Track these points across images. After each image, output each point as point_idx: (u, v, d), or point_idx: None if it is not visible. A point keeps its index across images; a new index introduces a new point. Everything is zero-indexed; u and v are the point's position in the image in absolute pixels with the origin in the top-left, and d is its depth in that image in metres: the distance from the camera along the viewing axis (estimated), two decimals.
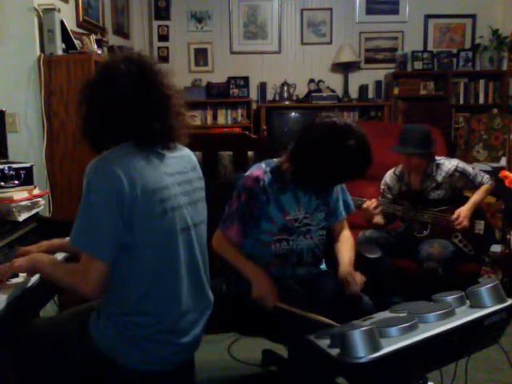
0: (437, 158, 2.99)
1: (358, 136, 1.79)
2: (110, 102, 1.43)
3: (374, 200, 2.76)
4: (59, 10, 2.84)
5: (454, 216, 2.82)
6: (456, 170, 2.92)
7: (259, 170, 1.98)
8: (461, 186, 2.95)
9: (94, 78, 1.51)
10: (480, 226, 2.91)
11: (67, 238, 1.95)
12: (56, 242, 1.81)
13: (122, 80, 1.43)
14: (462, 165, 2.95)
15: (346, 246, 2.06)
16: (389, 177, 3.10)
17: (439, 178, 2.93)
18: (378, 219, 2.93)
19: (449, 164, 2.95)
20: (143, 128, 1.45)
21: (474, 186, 2.93)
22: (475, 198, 2.90)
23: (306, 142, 1.85)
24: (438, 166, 2.95)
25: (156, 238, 1.42)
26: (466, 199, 2.91)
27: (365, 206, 2.72)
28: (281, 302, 1.82)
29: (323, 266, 2.14)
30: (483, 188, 2.91)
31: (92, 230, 1.36)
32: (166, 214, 1.43)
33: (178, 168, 1.55)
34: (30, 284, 1.62)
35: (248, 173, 1.99)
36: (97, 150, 1.50)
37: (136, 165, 1.41)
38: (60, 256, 1.85)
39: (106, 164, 1.39)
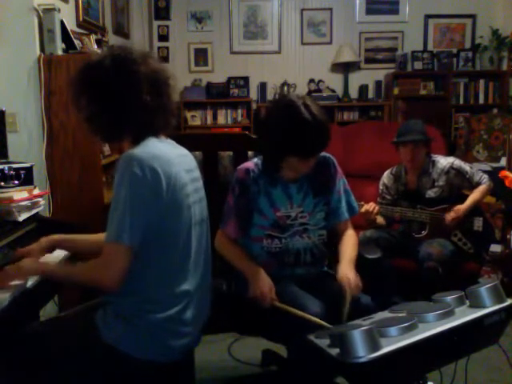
0: (433, 155, 3.00)
1: (310, 110, 1.80)
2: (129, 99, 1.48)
3: (371, 203, 2.78)
4: (59, 10, 2.84)
5: (455, 208, 2.83)
6: (452, 167, 2.93)
7: (251, 162, 2.02)
8: (457, 183, 2.95)
9: (104, 76, 1.51)
10: (479, 222, 2.92)
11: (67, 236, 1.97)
12: (55, 237, 1.81)
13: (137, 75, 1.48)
14: (458, 162, 2.96)
15: (347, 246, 2.04)
16: (386, 177, 3.10)
17: (435, 175, 2.94)
18: (380, 220, 2.94)
19: (445, 161, 2.96)
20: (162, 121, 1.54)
21: (471, 185, 2.94)
22: (473, 197, 2.90)
23: (264, 122, 1.96)
24: (434, 162, 2.96)
25: (178, 231, 1.49)
26: (465, 198, 2.91)
27: (363, 210, 2.74)
28: (278, 301, 1.82)
29: (324, 269, 2.13)
30: (481, 188, 2.91)
31: (129, 224, 1.38)
32: (189, 208, 1.52)
33: (189, 166, 1.61)
34: (29, 284, 1.62)
35: (240, 166, 2.02)
36: (111, 141, 1.63)
37: (168, 160, 1.47)
38: (61, 254, 1.85)
39: (145, 159, 1.41)
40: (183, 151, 1.65)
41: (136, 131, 1.51)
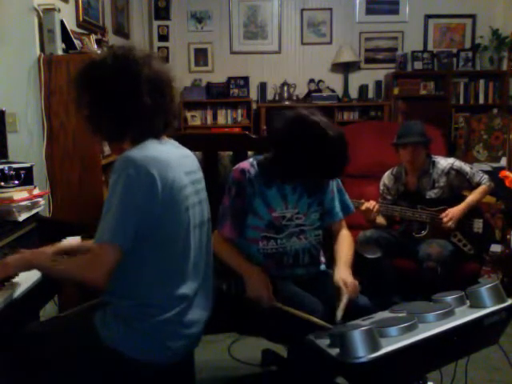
0: (433, 156, 3.00)
1: (335, 134, 1.83)
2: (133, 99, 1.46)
3: (371, 201, 2.78)
4: (59, 10, 2.84)
5: (443, 214, 2.83)
6: (452, 168, 2.93)
7: (246, 162, 2.01)
8: (457, 184, 2.95)
9: (108, 76, 1.49)
10: (479, 224, 2.92)
11: (67, 239, 1.97)
12: (62, 247, 1.80)
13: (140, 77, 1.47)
14: (458, 163, 2.96)
15: (343, 247, 2.04)
16: (386, 178, 3.11)
17: (435, 176, 2.94)
18: (381, 220, 2.94)
19: (445, 162, 2.96)
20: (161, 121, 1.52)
21: (472, 185, 2.94)
22: (471, 198, 2.90)
23: (276, 131, 1.92)
24: (434, 163, 2.96)
25: (176, 233, 1.48)
26: (465, 199, 2.91)
27: (363, 208, 2.74)
28: (276, 301, 1.82)
29: (323, 267, 2.13)
30: (480, 189, 2.91)
31: (121, 226, 1.38)
32: (187, 210, 1.50)
33: (190, 168, 1.60)
34: (29, 284, 1.61)
35: (236, 166, 2.02)
36: (111, 141, 1.64)
37: (165, 162, 1.45)
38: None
39: (141, 162, 1.40)
40: (185, 152, 1.64)
41: (136, 132, 1.50)
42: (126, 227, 1.38)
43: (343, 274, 1.91)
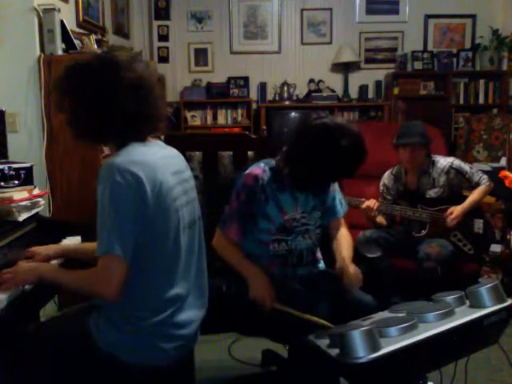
0: (433, 155, 3.00)
1: (350, 135, 1.80)
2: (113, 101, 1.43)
3: (372, 200, 2.78)
4: (59, 10, 2.84)
5: (448, 213, 2.83)
6: (451, 166, 2.93)
7: (258, 168, 1.99)
8: (457, 183, 2.95)
9: (91, 78, 1.47)
10: (479, 224, 2.91)
11: (67, 239, 1.96)
12: (65, 247, 1.79)
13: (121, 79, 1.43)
14: (457, 162, 2.96)
15: (343, 244, 2.06)
16: (386, 177, 3.11)
17: (435, 175, 2.94)
18: (381, 219, 2.94)
19: (444, 161, 2.96)
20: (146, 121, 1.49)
21: (471, 185, 2.94)
22: (472, 198, 2.90)
23: (299, 144, 1.87)
24: (434, 163, 2.96)
25: (166, 236, 1.46)
26: (465, 199, 2.91)
27: (364, 206, 2.75)
28: (279, 302, 1.82)
29: (322, 265, 2.15)
30: (480, 189, 2.91)
31: (120, 235, 1.36)
32: (177, 212, 1.48)
33: (177, 167, 1.58)
34: (28, 286, 1.61)
35: (247, 171, 2.00)
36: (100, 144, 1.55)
37: (152, 165, 1.43)
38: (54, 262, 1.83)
39: (126, 167, 1.38)
40: (171, 152, 1.61)
41: (120, 137, 1.48)
42: (126, 236, 1.36)
43: (346, 262, 1.95)
